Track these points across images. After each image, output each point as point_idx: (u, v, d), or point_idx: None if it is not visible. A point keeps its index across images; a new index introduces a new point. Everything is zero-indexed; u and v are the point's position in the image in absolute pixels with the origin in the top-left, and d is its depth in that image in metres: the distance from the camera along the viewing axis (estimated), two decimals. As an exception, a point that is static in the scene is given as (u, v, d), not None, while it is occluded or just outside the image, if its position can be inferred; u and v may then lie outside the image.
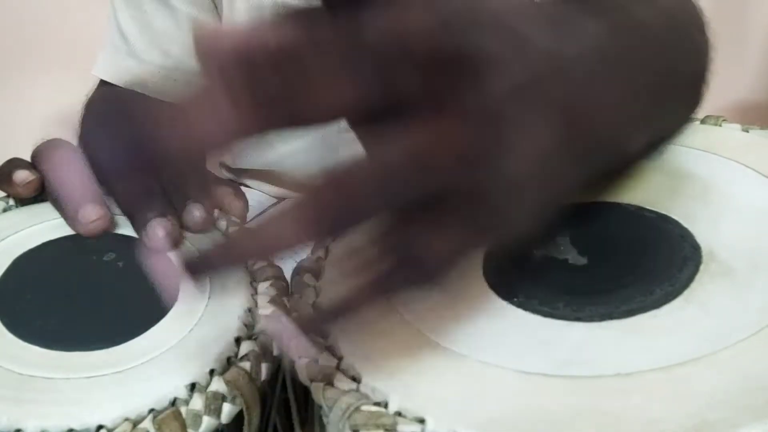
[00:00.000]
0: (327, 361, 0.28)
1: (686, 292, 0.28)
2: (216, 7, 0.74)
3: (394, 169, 0.21)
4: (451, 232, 0.23)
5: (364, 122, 0.23)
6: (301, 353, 0.27)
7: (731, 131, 0.39)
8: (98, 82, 0.76)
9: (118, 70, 0.74)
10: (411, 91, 0.21)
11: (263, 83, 0.20)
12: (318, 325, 0.27)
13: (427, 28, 0.21)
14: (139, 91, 0.74)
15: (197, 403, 0.27)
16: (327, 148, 0.72)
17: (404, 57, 0.21)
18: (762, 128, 0.38)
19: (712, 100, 0.36)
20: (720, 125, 0.39)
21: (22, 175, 0.37)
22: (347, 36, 0.21)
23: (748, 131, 0.38)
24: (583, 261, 0.31)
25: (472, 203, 0.22)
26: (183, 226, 0.36)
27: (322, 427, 0.27)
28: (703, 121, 0.39)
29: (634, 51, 0.29)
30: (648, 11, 0.32)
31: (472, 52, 0.21)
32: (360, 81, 0.21)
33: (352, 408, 0.25)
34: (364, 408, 0.25)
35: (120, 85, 0.74)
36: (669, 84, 0.32)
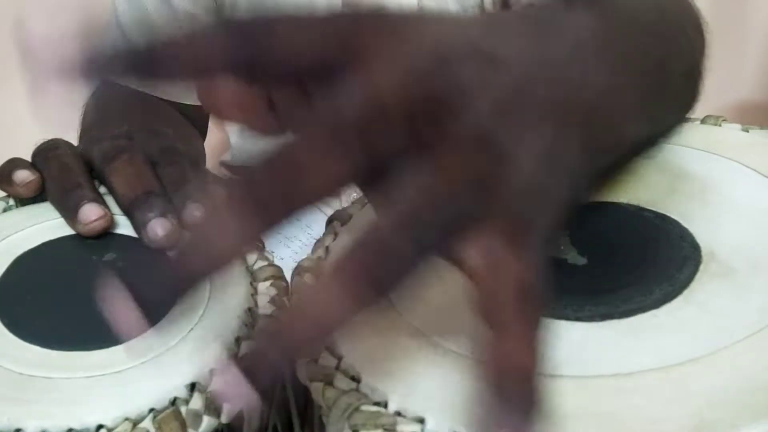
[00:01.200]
0: (327, 360, 0.28)
1: (686, 292, 0.28)
2: (217, 6, 0.74)
3: (415, 215, 0.21)
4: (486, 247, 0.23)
5: (369, 184, 0.24)
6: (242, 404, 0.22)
7: (731, 131, 0.38)
8: None
9: None
10: (403, 145, 0.22)
11: (259, 189, 0.21)
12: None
13: (395, 84, 0.22)
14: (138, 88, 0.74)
15: (197, 402, 0.27)
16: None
17: (385, 118, 0.22)
18: (762, 128, 0.38)
19: (712, 100, 0.36)
20: (720, 125, 0.39)
21: (22, 175, 0.37)
22: (326, 119, 0.22)
23: (748, 131, 0.38)
24: (582, 261, 0.31)
25: (500, 217, 0.23)
26: (183, 226, 0.36)
27: (322, 427, 0.27)
28: (703, 121, 0.39)
29: (624, 37, 0.29)
30: (638, 4, 0.32)
31: (443, 89, 0.22)
32: (351, 155, 0.21)
33: (351, 408, 0.25)
34: (364, 408, 0.25)
35: (120, 82, 0.74)
36: (662, 76, 0.32)
